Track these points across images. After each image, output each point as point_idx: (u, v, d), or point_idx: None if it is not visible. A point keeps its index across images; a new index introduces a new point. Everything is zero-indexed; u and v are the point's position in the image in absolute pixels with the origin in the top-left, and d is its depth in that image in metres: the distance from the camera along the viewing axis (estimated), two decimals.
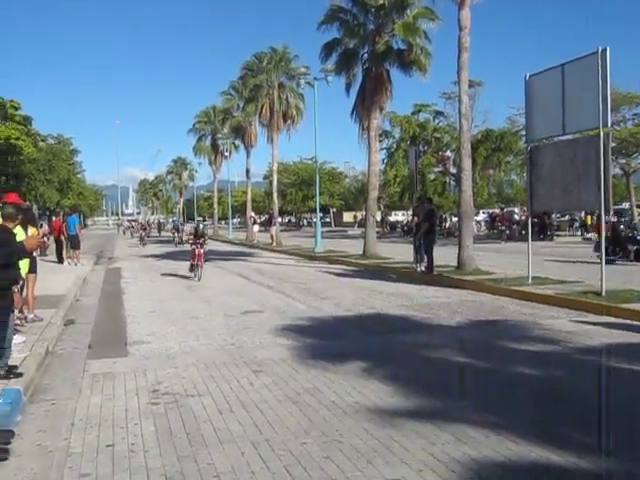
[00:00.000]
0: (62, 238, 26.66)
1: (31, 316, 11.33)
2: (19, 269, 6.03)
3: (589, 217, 41.24)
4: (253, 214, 56.19)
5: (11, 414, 6.10)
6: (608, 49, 12.44)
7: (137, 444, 5.58)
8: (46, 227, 38.09)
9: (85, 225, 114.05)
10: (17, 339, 9.51)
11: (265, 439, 5.60)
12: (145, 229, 53.96)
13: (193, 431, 5.86)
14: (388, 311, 12.80)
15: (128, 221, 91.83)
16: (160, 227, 74.53)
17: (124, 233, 76.57)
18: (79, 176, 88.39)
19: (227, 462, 5.10)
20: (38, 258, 24.16)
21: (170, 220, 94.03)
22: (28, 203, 47.77)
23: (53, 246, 28.09)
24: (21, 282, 8.66)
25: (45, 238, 32.13)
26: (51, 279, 18.47)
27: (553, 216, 40.39)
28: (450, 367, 8.18)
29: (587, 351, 8.84)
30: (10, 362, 7.64)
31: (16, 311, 8.38)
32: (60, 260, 26.17)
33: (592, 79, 12.67)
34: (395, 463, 4.99)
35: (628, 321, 10.92)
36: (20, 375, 7.46)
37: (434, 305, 13.35)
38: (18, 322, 10.43)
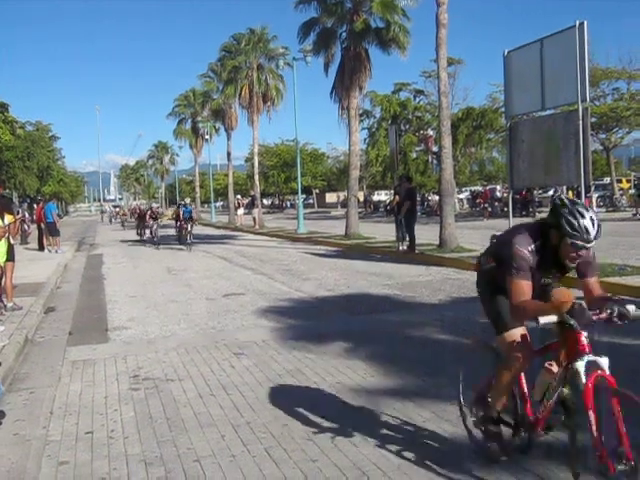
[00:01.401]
0: (42, 225, 26.44)
1: (10, 304, 11.22)
2: None
3: (570, 192, 41.39)
4: (239, 197, 55.87)
5: None
6: (585, 23, 12.36)
7: (116, 430, 5.52)
8: (26, 214, 37.86)
9: (67, 212, 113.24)
10: None
11: (246, 422, 5.56)
12: (142, 217, 34.22)
13: (173, 416, 5.81)
14: (370, 291, 12.78)
15: (114, 206, 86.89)
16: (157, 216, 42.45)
17: (110, 221, 67.87)
18: (59, 163, 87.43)
19: (207, 446, 5.05)
20: (20, 246, 23.99)
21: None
22: (5, 190, 47.33)
23: (35, 233, 27.87)
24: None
25: (26, 226, 32.03)
26: (31, 267, 18.33)
27: (535, 192, 40.46)
28: (431, 345, 8.17)
29: None
30: None
31: None
32: (41, 248, 25.95)
33: (570, 54, 12.60)
34: (376, 443, 4.96)
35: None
36: None
37: (416, 284, 13.35)
38: (2, 311, 10.33)
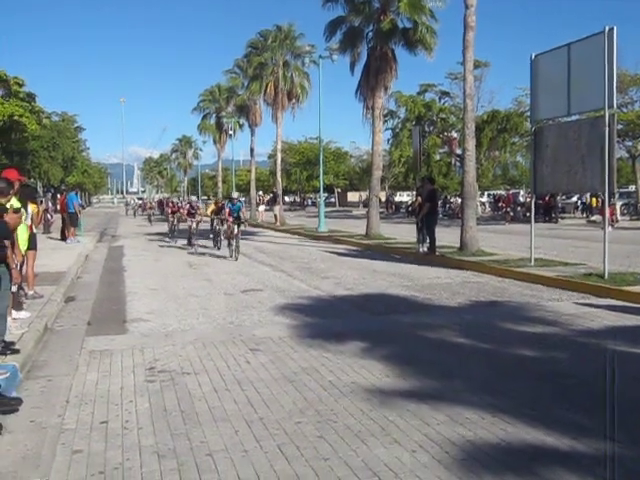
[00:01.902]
0: (65, 216, 26.63)
1: (31, 293, 11.32)
2: (3, 246, 5.95)
3: (594, 199, 41.03)
4: (261, 193, 55.99)
5: (7, 390, 6.08)
6: (615, 29, 12.26)
7: (131, 421, 5.56)
8: (50, 204, 38.19)
9: (90, 203, 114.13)
10: (22, 315, 9.51)
11: (259, 418, 5.57)
12: (174, 212, 31.11)
13: (187, 409, 5.83)
14: (389, 291, 12.75)
15: (139, 199, 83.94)
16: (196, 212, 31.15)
17: (134, 215, 63.03)
18: (84, 154, 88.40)
19: (220, 440, 5.07)
20: (43, 235, 24.23)
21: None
22: (30, 180, 47.75)
23: (58, 223, 28.07)
24: (21, 259, 8.60)
25: (49, 215, 32.32)
26: (53, 256, 18.49)
27: (558, 198, 40.19)
28: (449, 348, 8.14)
29: (588, 334, 8.79)
30: (8, 338, 7.62)
31: (14, 287, 8.32)
32: (63, 237, 26.14)
33: (598, 59, 12.51)
34: (389, 443, 4.95)
35: (630, 304, 10.85)
36: (17, 351, 7.44)
37: (435, 286, 13.30)
38: (23, 299, 10.42)
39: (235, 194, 22.22)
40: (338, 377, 6.79)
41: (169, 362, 7.55)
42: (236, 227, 19.97)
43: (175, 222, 27.69)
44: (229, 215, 20.18)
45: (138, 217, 59.73)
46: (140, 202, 72.87)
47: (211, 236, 24.26)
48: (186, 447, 4.96)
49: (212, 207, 24.82)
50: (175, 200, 27.13)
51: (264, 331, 9.18)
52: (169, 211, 29.57)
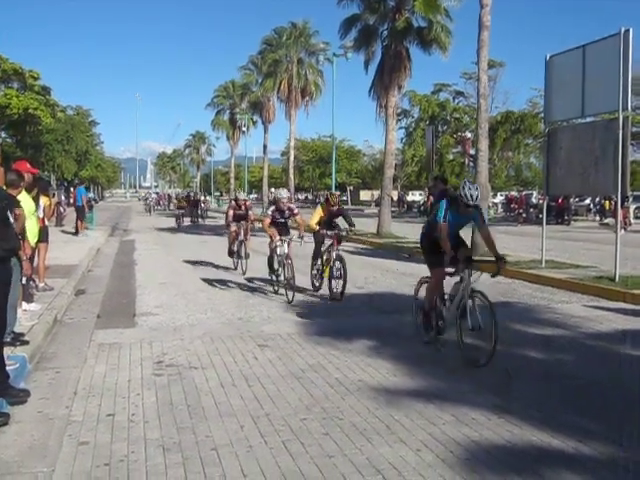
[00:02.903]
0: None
1: (41, 285, 11.39)
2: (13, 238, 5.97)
3: (607, 202, 40.80)
4: (273, 190, 56.02)
5: (15, 380, 6.12)
6: (631, 30, 12.19)
7: (137, 414, 5.58)
8: (62, 197, 38.39)
9: (102, 197, 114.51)
10: (32, 307, 9.57)
11: (265, 414, 5.58)
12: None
13: (194, 403, 5.86)
14: (399, 290, 12.72)
15: (156, 194, 78.99)
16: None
17: (149, 212, 56.62)
18: (97, 148, 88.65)
19: (226, 435, 5.09)
20: (55, 228, 24.34)
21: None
22: (43, 173, 47.93)
23: (70, 216, 28.17)
24: (30, 251, 8.65)
25: (61, 208, 32.48)
26: (65, 249, 18.58)
27: (571, 200, 39.98)
28: (457, 348, 8.11)
29: (597, 336, 8.75)
30: (18, 329, 7.67)
31: (24, 279, 8.37)
32: (77, 231, 26.25)
33: (613, 61, 12.43)
34: (394, 442, 4.96)
35: None
36: (27, 343, 7.49)
37: (445, 285, 13.23)
38: (34, 291, 10.48)
39: (242, 195, 17.35)
40: (345, 375, 6.80)
41: (177, 356, 7.57)
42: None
43: (241, 237, 16.06)
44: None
45: (156, 214, 55.06)
46: (157, 197, 69.23)
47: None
48: (191, 441, 4.97)
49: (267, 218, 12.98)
50: (242, 196, 16.60)
51: (272, 327, 9.20)
52: (230, 215, 16.32)
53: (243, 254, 15.65)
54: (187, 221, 37.86)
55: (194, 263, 17.56)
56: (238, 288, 12.99)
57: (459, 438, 5.03)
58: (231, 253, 16.21)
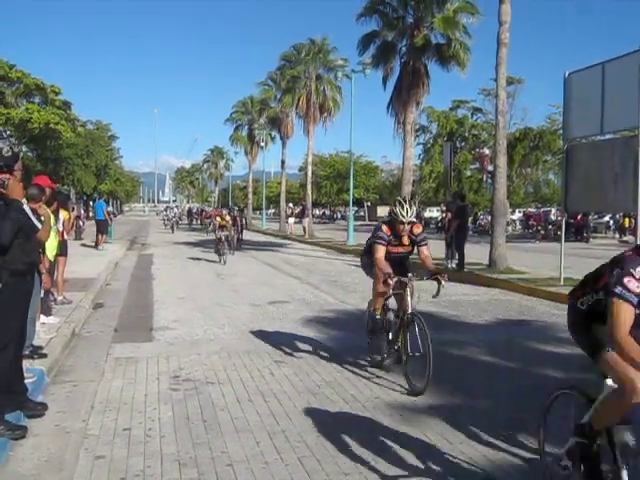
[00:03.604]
0: None
1: (60, 298, 11.46)
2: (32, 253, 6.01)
3: (627, 219, 40.50)
4: (291, 205, 56.17)
5: (33, 393, 6.16)
6: None
7: (154, 429, 5.59)
8: (82, 211, 38.67)
9: (121, 211, 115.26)
10: (51, 320, 9.63)
11: (282, 430, 5.57)
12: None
13: (210, 419, 5.86)
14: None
15: (177, 207, 72.40)
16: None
17: (172, 229, 47.74)
18: (116, 162, 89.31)
19: (241, 451, 5.08)
20: (75, 242, 24.45)
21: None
22: (63, 187, 48.28)
23: (88, 230, 28.36)
24: (47, 265, 8.72)
25: (80, 222, 32.72)
26: (84, 263, 18.70)
27: (590, 217, 39.76)
28: (474, 366, 8.08)
29: None
30: (36, 343, 7.71)
31: (42, 292, 8.42)
32: (96, 244, 26.43)
33: (633, 78, 12.39)
34: (410, 460, 4.92)
35: None
36: (45, 356, 7.53)
37: (463, 302, 13.21)
38: (52, 304, 10.54)
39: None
40: (361, 391, 6.78)
41: (194, 371, 7.59)
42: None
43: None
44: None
45: (179, 231, 49.51)
46: (179, 210, 63.48)
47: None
48: (207, 456, 4.97)
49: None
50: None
51: (289, 343, 9.18)
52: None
53: None
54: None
55: (210, 277, 17.60)
56: (254, 302, 12.98)
57: (476, 457, 4.99)
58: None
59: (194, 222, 65.79)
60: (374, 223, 56.97)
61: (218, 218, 23.22)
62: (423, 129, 51.50)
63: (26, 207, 5.90)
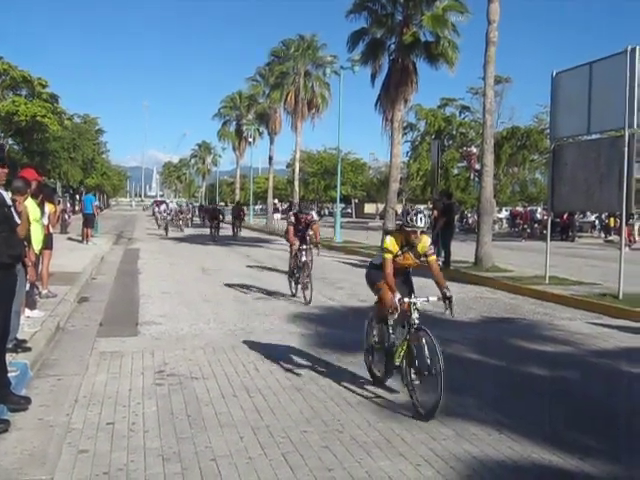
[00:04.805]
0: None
1: (45, 292, 11.39)
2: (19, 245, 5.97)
3: (612, 219, 40.73)
4: (276, 201, 56.06)
5: (17, 387, 6.12)
6: (637, 48, 12.22)
7: (137, 423, 5.58)
8: (68, 205, 38.47)
9: (108, 205, 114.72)
10: (35, 313, 9.57)
11: (265, 425, 5.57)
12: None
13: (194, 414, 5.85)
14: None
15: (179, 204, 52.78)
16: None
17: (165, 229, 36.82)
18: (103, 156, 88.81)
19: (225, 446, 5.08)
20: (62, 236, 24.33)
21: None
22: (49, 180, 47.99)
23: (74, 223, 28.19)
24: (34, 258, 8.67)
25: (66, 215, 32.55)
26: (70, 256, 18.59)
27: (576, 217, 39.96)
28: (459, 363, 8.09)
29: (600, 354, 8.72)
30: (20, 336, 7.66)
31: (28, 285, 8.38)
32: (83, 238, 26.25)
33: (620, 79, 12.47)
34: (393, 456, 4.94)
35: None
36: (29, 349, 7.49)
37: None
38: (37, 298, 10.48)
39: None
40: (347, 387, 6.78)
41: (178, 366, 7.57)
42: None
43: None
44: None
45: (174, 231, 39.47)
46: (179, 208, 47.51)
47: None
48: (191, 451, 4.97)
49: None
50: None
51: (275, 339, 9.18)
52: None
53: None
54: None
55: (196, 272, 17.56)
56: (240, 298, 12.97)
57: (460, 453, 5.01)
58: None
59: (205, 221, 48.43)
60: (361, 220, 56.95)
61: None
62: (411, 127, 51.41)
63: (8, 200, 5.86)
